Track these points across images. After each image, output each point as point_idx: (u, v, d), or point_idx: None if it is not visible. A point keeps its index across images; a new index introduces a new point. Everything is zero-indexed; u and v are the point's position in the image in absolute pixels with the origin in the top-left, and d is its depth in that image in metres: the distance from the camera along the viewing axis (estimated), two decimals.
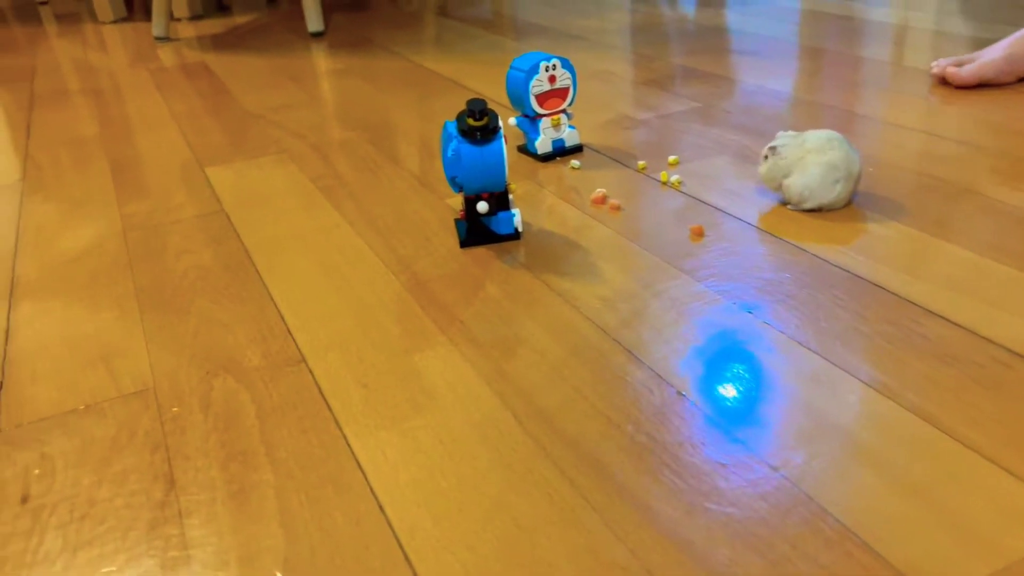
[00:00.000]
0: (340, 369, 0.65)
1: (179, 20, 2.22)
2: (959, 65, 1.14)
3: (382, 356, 0.66)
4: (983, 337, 0.61)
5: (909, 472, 0.49)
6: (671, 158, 0.98)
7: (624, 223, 0.84)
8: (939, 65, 1.16)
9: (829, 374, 0.59)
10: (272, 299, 0.76)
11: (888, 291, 0.68)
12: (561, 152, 1.04)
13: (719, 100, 1.20)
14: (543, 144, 1.02)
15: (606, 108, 1.20)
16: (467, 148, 0.77)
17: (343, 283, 0.78)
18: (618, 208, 0.87)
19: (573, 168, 0.99)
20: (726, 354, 0.62)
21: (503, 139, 0.78)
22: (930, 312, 0.64)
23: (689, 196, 0.89)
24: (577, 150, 1.05)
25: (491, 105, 1.26)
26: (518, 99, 1.01)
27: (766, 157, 0.83)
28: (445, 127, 0.81)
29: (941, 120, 1.04)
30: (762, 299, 0.68)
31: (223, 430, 0.59)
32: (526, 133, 1.04)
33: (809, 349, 0.61)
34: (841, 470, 0.50)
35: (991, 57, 1.11)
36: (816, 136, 0.81)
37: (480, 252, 0.81)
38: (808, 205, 0.81)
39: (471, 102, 0.76)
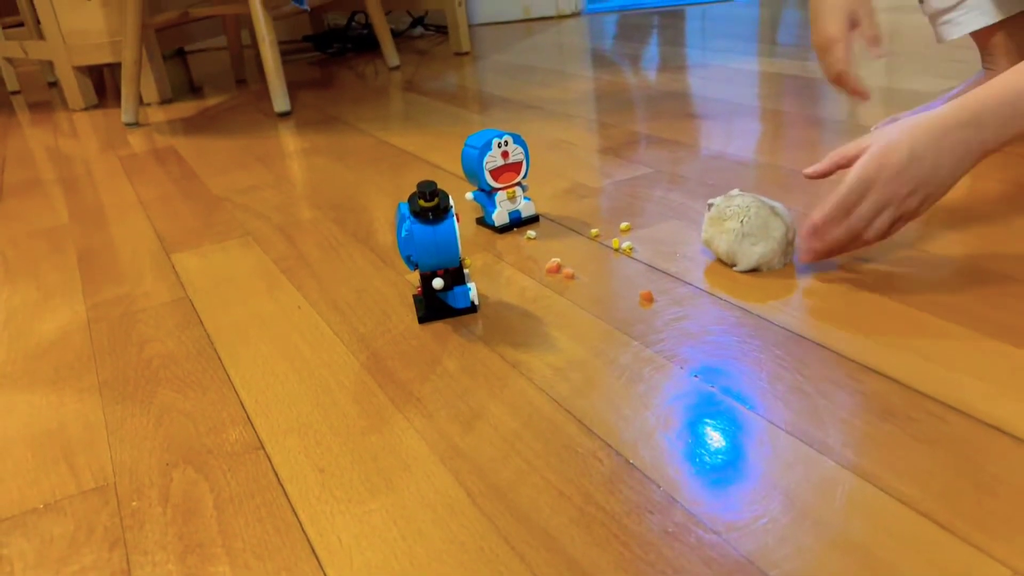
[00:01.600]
0: (298, 454, 0.66)
1: (149, 105, 2.26)
2: None
3: (339, 439, 0.67)
4: (919, 392, 0.63)
5: (847, 530, 0.51)
6: (622, 225, 1.01)
7: (577, 291, 0.86)
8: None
9: (772, 436, 0.60)
10: (233, 385, 0.77)
11: (828, 349, 0.70)
12: (518, 223, 1.06)
13: (674, 166, 1.23)
14: (500, 216, 1.05)
15: (562, 177, 1.24)
16: (420, 228, 0.80)
17: (303, 365, 0.79)
18: (572, 276, 0.90)
19: (529, 239, 1.02)
20: (674, 420, 0.64)
21: (455, 217, 0.81)
22: (868, 368, 0.66)
23: (640, 262, 0.91)
24: (533, 220, 1.07)
25: (451, 179, 1.30)
26: (473, 174, 1.04)
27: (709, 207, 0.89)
28: (399, 208, 0.84)
29: None
30: (708, 362, 0.70)
31: (181, 523, 0.60)
32: (483, 206, 1.07)
33: (754, 412, 0.63)
34: (781, 532, 0.52)
35: None
36: (739, 201, 0.85)
37: (438, 327, 0.83)
38: (741, 267, 0.85)
39: (421, 184, 0.79)
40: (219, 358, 0.83)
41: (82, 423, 0.74)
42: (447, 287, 0.83)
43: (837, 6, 1.04)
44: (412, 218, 0.80)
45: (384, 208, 1.21)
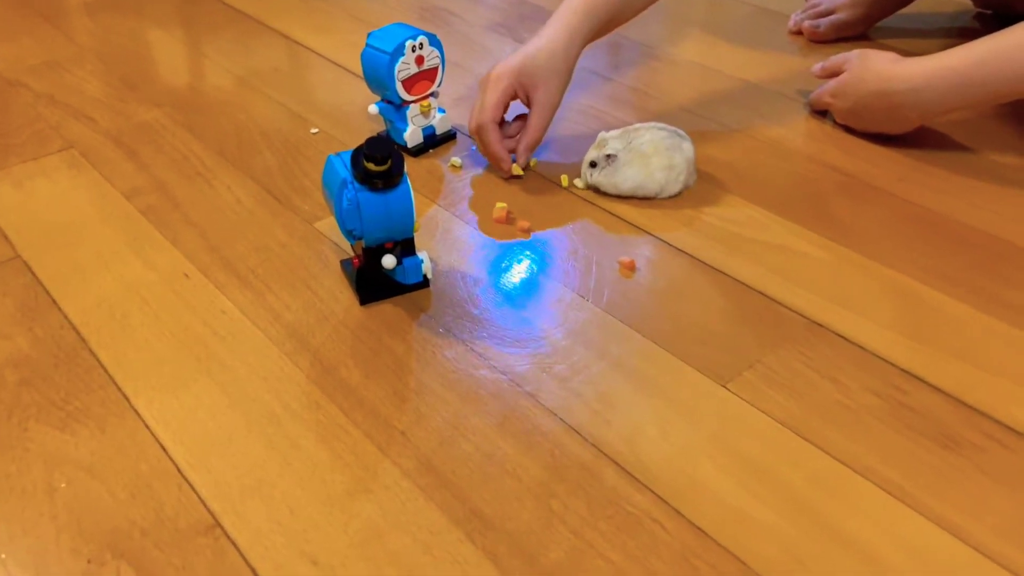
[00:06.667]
0: (271, 534, 0.51)
1: None
2: (815, 17, 1.11)
3: (317, 504, 0.53)
4: (971, 407, 0.58)
5: None
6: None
7: (542, 255, 0.74)
8: (795, 21, 1.13)
9: (831, 472, 0.54)
10: (138, 413, 0.59)
11: (856, 345, 0.64)
12: (432, 142, 0.89)
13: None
14: (413, 136, 0.88)
15: (461, 71, 1.06)
16: (367, 197, 0.63)
17: (228, 378, 0.62)
18: (527, 231, 0.77)
19: (454, 167, 0.86)
20: (723, 454, 0.56)
21: (408, 180, 0.65)
22: (908, 374, 0.61)
23: (601, 209, 0.80)
24: (450, 138, 0.91)
25: (324, 63, 1.07)
26: (380, 84, 0.85)
27: (593, 164, 0.80)
28: (330, 164, 0.66)
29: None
30: (730, 366, 0.62)
31: None
32: (391, 122, 0.88)
33: (802, 438, 0.56)
34: None
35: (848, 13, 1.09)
36: (649, 136, 0.79)
37: (387, 311, 0.68)
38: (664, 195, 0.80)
39: (372, 144, 0.61)
40: (101, 365, 0.63)
41: None
42: (398, 262, 0.67)
43: (499, 87, 0.80)
44: (357, 184, 0.63)
45: (244, 108, 0.98)
